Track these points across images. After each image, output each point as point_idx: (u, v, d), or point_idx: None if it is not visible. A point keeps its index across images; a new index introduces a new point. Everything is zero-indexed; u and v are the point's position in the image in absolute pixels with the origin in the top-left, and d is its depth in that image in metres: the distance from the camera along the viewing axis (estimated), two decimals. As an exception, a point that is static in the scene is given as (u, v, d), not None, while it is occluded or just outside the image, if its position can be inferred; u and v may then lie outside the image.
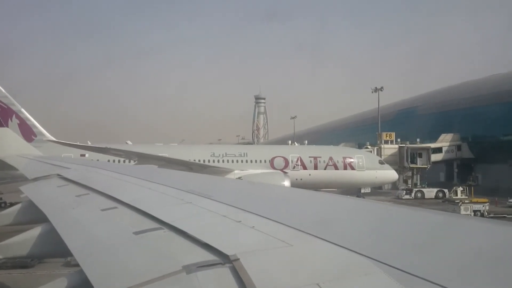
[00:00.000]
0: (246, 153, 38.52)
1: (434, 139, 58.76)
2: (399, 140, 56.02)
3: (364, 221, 3.82)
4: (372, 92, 60.54)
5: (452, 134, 58.80)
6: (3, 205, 37.72)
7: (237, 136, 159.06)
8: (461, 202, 34.28)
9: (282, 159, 37.88)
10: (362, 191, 39.30)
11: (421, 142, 56.65)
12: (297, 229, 3.29)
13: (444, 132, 59.18)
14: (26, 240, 5.53)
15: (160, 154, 35.08)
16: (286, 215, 3.98)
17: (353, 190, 38.93)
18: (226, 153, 38.16)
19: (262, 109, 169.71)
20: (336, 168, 37.98)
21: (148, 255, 3.46)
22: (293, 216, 3.93)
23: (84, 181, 7.53)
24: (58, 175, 9.02)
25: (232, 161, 37.62)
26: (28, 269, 17.70)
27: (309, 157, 38.22)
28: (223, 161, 37.44)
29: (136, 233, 3.89)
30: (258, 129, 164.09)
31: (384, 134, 55.89)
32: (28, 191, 8.08)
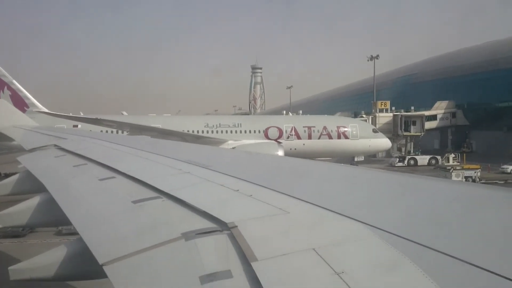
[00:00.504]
0: (240, 124, 38.48)
1: (430, 106, 58.76)
2: (393, 108, 55.98)
3: (359, 188, 3.88)
4: (368, 60, 60.14)
5: (447, 102, 58.72)
6: None
7: (233, 106, 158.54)
8: (452, 169, 34.65)
9: (276, 129, 37.94)
10: (356, 159, 39.58)
11: (417, 110, 56.60)
12: (293, 197, 3.35)
13: (439, 100, 59.14)
14: (24, 209, 5.57)
15: (153, 125, 34.96)
16: (283, 183, 4.04)
17: (347, 158, 39.22)
18: (220, 124, 38.09)
19: (258, 79, 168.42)
20: (330, 137, 38.14)
21: (147, 223, 3.52)
22: (290, 185, 3.99)
23: (82, 151, 7.54)
24: (55, 145, 9.02)
25: (226, 132, 37.64)
26: (19, 238, 17.92)
27: (303, 126, 38.29)
28: (217, 131, 37.46)
29: (135, 202, 3.94)
30: (254, 99, 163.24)
31: (379, 102, 55.73)
32: (26, 161, 8.08)
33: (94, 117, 33.70)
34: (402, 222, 2.72)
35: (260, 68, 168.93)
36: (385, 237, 2.41)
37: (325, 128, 38.26)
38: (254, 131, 37.87)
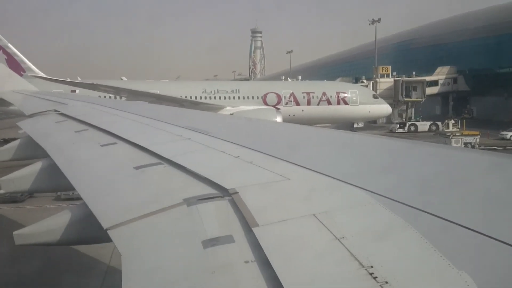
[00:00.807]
0: (238, 90, 38.28)
1: (431, 72, 58.21)
2: (394, 73, 55.45)
3: (359, 154, 3.91)
4: (370, 24, 59.15)
5: (448, 67, 58.12)
6: None
7: (233, 72, 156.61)
8: (452, 135, 34.71)
9: (275, 95, 37.74)
10: (355, 125, 39.56)
11: (418, 76, 56.08)
12: (294, 163, 3.38)
13: (441, 65, 58.51)
14: (27, 175, 5.61)
15: (150, 91, 34.81)
16: (283, 150, 4.07)
17: (346, 125, 39.19)
18: (218, 90, 37.84)
19: (258, 44, 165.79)
20: (330, 103, 37.98)
21: (149, 189, 3.57)
22: (290, 151, 4.01)
23: (82, 117, 7.53)
24: (56, 111, 9.00)
25: (224, 98, 37.43)
26: (18, 204, 18.12)
27: (302, 92, 38.06)
28: (215, 97, 37.27)
29: (137, 168, 3.98)
30: (254, 64, 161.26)
31: (380, 67, 55.15)
32: (26, 126, 8.07)
33: (91, 82, 33.49)
34: (402, 188, 2.75)
35: (260, 32, 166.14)
36: (385, 203, 2.44)
37: (324, 94, 38.07)
38: (253, 97, 37.72)
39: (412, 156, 3.69)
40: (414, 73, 56.26)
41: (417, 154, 3.73)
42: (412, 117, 51.26)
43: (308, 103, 37.87)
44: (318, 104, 37.85)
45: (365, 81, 53.86)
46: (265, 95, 37.67)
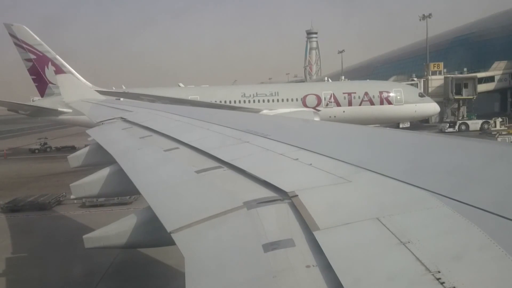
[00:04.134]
0: (277, 92, 38.11)
1: (488, 67, 54.69)
2: (445, 70, 52.58)
3: (423, 154, 3.74)
4: (420, 20, 56.83)
5: (506, 62, 54.00)
6: (48, 149, 40.25)
7: (286, 74, 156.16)
8: (498, 134, 32.53)
9: (315, 96, 37.08)
10: (401, 126, 37.66)
11: (473, 72, 52.69)
12: (355, 165, 3.29)
13: (498, 60, 54.75)
14: (96, 180, 5.90)
15: (190, 97, 35.86)
16: (344, 151, 3.98)
17: (391, 125, 37.73)
18: (256, 93, 37.92)
19: (314, 45, 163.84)
20: (372, 103, 36.62)
21: (210, 192, 3.63)
22: (351, 152, 3.92)
23: (146, 123, 7.83)
24: (122, 118, 9.42)
25: (263, 101, 37.47)
26: (44, 211, 18.72)
27: (343, 93, 37.04)
28: (253, 101, 37.41)
29: (198, 171, 4.06)
30: (310, 65, 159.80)
31: (431, 64, 52.15)
32: (95, 134, 8.51)
33: (135, 92, 35.32)
34: (469, 189, 2.60)
35: (316, 33, 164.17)
36: (452, 205, 2.32)
37: (366, 94, 36.96)
38: (292, 100, 37.55)
39: (477, 155, 3.49)
40: (465, 69, 53.08)
41: (483, 153, 3.52)
42: (465, 115, 48.45)
43: (350, 103, 36.95)
44: (360, 105, 36.81)
45: (415, 79, 51.52)
46: (305, 97, 37.30)
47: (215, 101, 35.96)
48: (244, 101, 37.45)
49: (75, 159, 7.92)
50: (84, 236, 3.90)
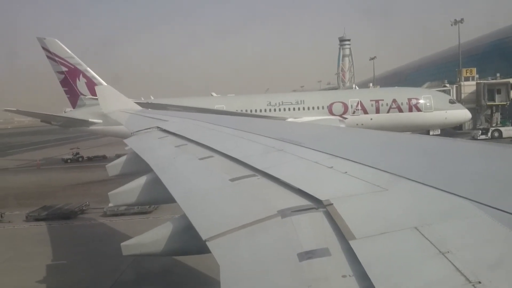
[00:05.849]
0: (303, 100, 37.92)
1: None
2: (477, 76, 50.80)
3: (462, 161, 3.63)
4: (452, 25, 55.49)
5: None
6: (80, 159, 41.68)
7: (318, 82, 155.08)
8: None
9: (341, 104, 36.65)
10: (431, 133, 36.63)
11: (507, 77, 50.58)
12: (391, 173, 3.22)
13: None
14: (133, 189, 6.01)
15: (216, 106, 36.13)
16: (379, 159, 3.91)
17: (422, 133, 36.65)
18: (282, 102, 37.84)
19: (347, 52, 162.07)
20: (401, 110, 35.89)
21: (244, 200, 3.63)
22: (387, 160, 3.85)
23: (182, 132, 7.94)
24: (158, 127, 9.60)
25: (289, 109, 37.30)
26: (67, 220, 19.31)
27: (370, 100, 36.44)
28: (279, 109, 37.31)
29: (232, 180, 4.08)
30: (343, 72, 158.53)
31: (464, 70, 50.50)
32: (132, 143, 8.70)
33: (163, 103, 35.78)
34: (510, 197, 2.51)
35: (349, 40, 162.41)
36: (493, 214, 2.23)
37: (394, 101, 36.19)
38: (318, 107, 37.26)
39: None
40: (498, 75, 51.14)
41: None
42: (499, 122, 46.57)
43: (377, 111, 36.26)
44: (388, 112, 36.10)
45: (447, 85, 50.06)
46: (331, 104, 36.90)
47: (241, 110, 36.24)
48: (270, 110, 37.49)
49: (113, 168, 8.09)
50: (122, 244, 3.97)
